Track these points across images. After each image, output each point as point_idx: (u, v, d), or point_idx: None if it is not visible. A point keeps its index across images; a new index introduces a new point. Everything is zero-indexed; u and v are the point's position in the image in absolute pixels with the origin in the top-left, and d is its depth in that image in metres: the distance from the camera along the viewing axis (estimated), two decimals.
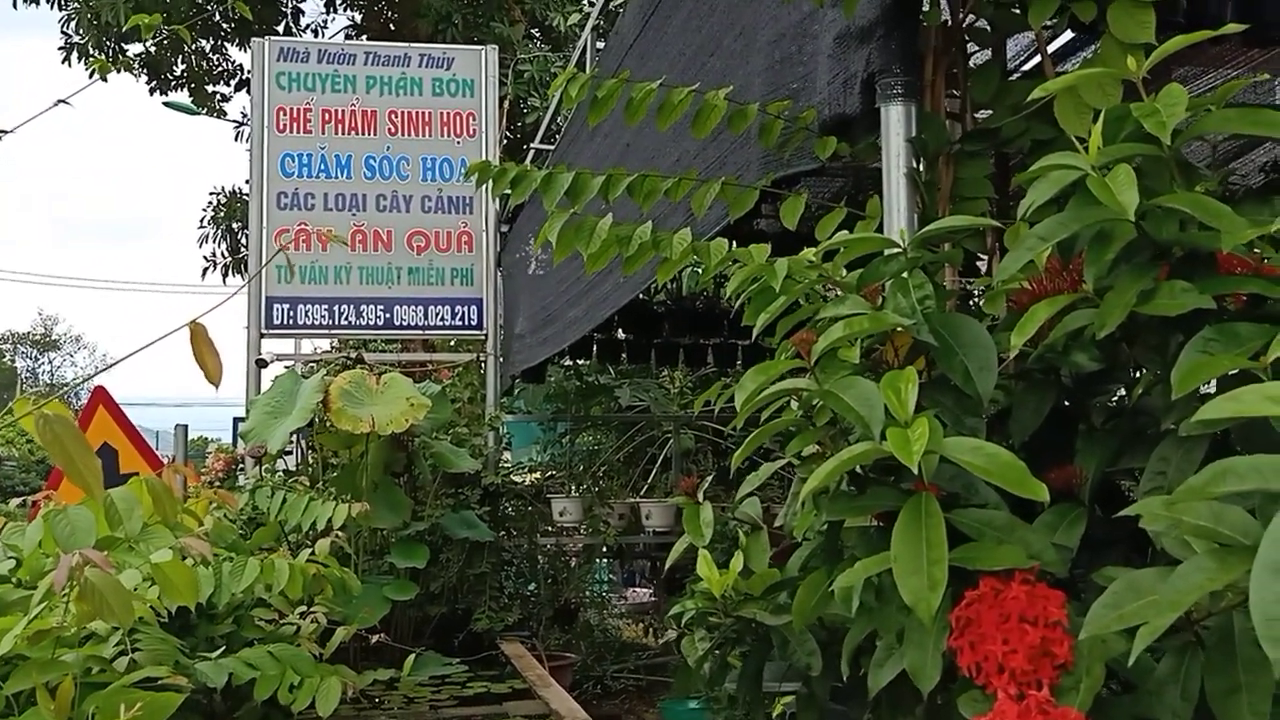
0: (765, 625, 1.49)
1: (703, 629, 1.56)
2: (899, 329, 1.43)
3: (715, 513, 1.66)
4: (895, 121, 1.99)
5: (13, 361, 45.64)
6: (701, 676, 1.63)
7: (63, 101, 2.40)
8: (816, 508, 1.28)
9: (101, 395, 5.88)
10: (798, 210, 2.19)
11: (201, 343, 1.14)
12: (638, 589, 10.55)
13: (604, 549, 7.28)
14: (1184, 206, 1.15)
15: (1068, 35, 2.80)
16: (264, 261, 6.59)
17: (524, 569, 6.65)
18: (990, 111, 2.18)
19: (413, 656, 4.44)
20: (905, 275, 1.43)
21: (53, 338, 46.67)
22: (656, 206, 2.55)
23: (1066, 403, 1.50)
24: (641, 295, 5.80)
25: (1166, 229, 1.22)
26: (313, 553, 3.39)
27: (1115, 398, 1.55)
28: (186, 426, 5.57)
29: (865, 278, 1.50)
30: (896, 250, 1.48)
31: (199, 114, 13.20)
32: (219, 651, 2.70)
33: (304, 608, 3.57)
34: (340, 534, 3.85)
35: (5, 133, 2.32)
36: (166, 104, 13.30)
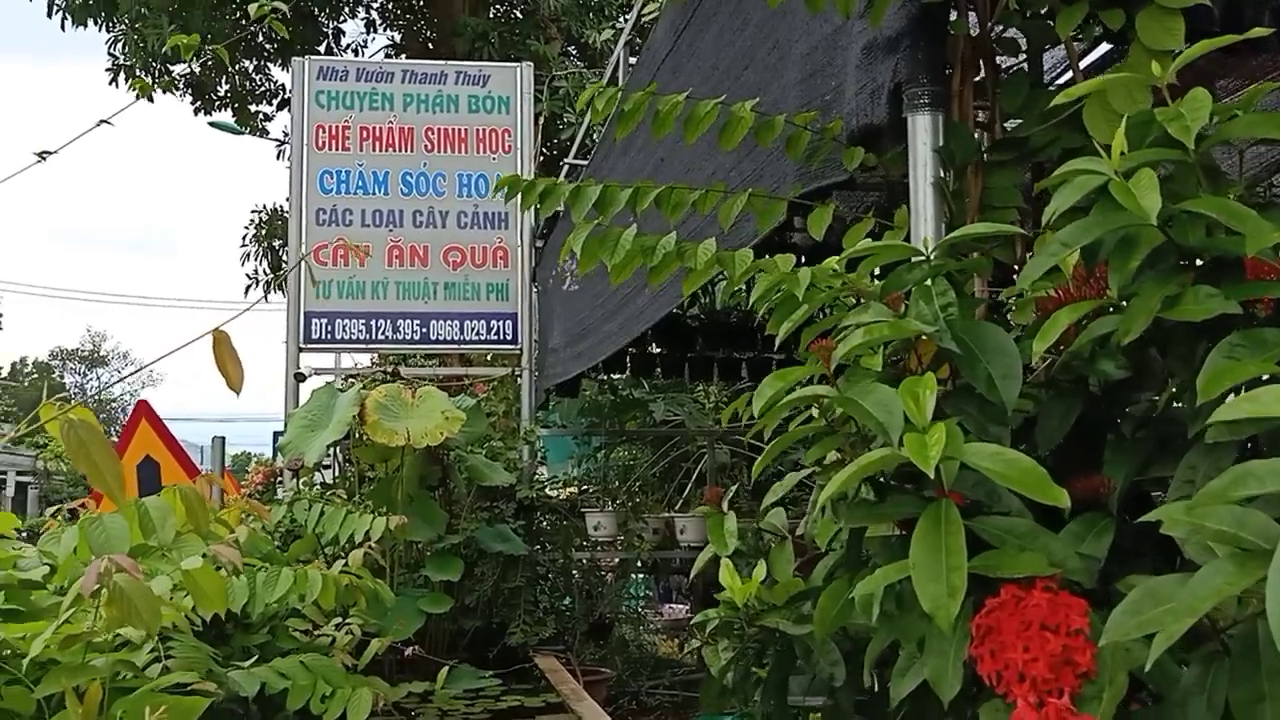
0: (789, 635, 1.48)
1: (726, 639, 1.55)
2: (922, 337, 1.42)
3: (741, 524, 1.66)
4: (922, 130, 1.98)
5: (62, 377, 46.57)
6: (734, 691, 1.63)
7: (105, 122, 2.45)
8: (835, 515, 1.27)
9: (144, 409, 5.98)
10: (825, 220, 2.19)
11: (223, 350, 1.16)
12: (674, 605, 10.51)
13: (639, 564, 7.27)
14: (1209, 210, 1.14)
15: (1105, 47, 2.77)
16: (301, 277, 6.68)
17: (558, 583, 6.66)
18: (1020, 122, 2.17)
19: (446, 669, 4.45)
20: (928, 282, 1.42)
21: (101, 354, 47.56)
22: (688, 223, 2.56)
23: (1095, 413, 1.48)
24: (675, 310, 5.80)
25: (1192, 234, 1.20)
26: (346, 564, 3.42)
27: (1144, 408, 1.52)
28: (224, 439, 5.65)
29: (888, 286, 1.49)
30: (920, 258, 1.47)
31: (242, 133, 13.43)
32: (251, 660, 2.73)
33: (339, 619, 3.60)
34: (374, 546, 3.88)
35: (51, 153, 2.38)
36: (211, 124, 13.55)
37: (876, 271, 1.58)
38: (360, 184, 6.80)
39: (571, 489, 7.14)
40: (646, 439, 8.01)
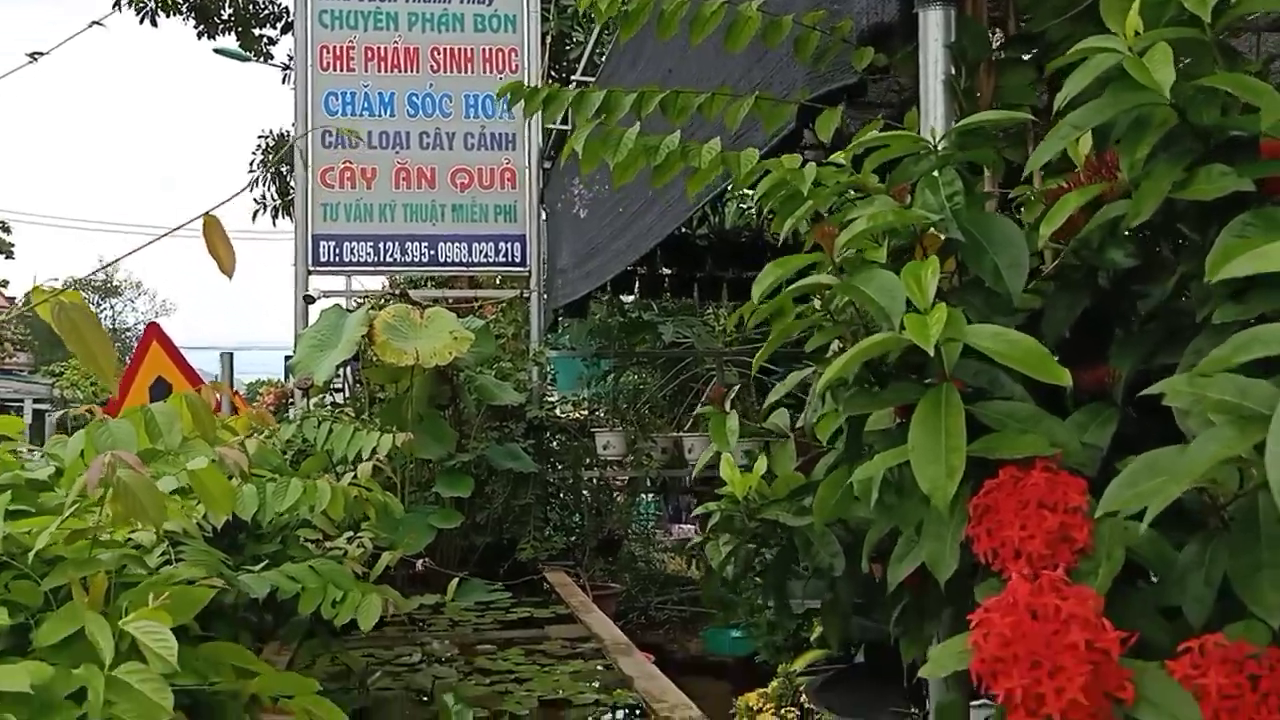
0: (789, 527, 1.48)
1: (726, 533, 1.55)
2: (929, 231, 1.39)
3: (747, 442, 1.66)
4: (933, 26, 1.92)
5: None
6: (733, 584, 1.64)
7: (97, 23, 2.41)
8: (835, 402, 1.26)
9: (155, 331, 6.00)
10: (833, 123, 2.14)
11: (214, 233, 1.15)
12: (683, 525, 10.62)
13: (648, 483, 7.32)
14: (1225, 85, 1.10)
15: None
16: (309, 200, 6.63)
17: (568, 501, 6.73)
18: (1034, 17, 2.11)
19: (456, 581, 4.52)
20: (935, 173, 1.39)
21: (114, 284, 47.64)
22: (696, 135, 2.51)
23: (1103, 306, 1.46)
24: (684, 229, 5.76)
25: (1207, 113, 1.17)
26: (355, 477, 3.45)
27: (1153, 301, 1.50)
28: (232, 354, 5.67)
29: (895, 178, 1.47)
30: (928, 149, 1.44)
31: (248, 59, 13.23)
32: (262, 565, 2.77)
33: (350, 533, 3.65)
34: (384, 461, 3.91)
35: (42, 54, 2.34)
36: (217, 51, 13.34)
37: (879, 165, 1.55)
38: (366, 105, 6.71)
39: (582, 412, 7.17)
40: (656, 361, 8.01)
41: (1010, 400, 1.17)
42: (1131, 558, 1.08)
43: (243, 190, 11.32)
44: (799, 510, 1.46)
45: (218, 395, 2.09)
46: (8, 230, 24.80)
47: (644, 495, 8.68)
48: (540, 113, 2.23)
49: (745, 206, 6.40)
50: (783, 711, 3.12)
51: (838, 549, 1.43)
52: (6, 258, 24.42)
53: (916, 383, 1.20)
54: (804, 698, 3.16)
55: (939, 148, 1.45)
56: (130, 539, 2.12)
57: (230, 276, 1.19)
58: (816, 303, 1.38)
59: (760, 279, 1.33)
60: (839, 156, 1.57)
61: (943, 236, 1.38)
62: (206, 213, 1.14)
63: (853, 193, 1.57)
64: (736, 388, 1.79)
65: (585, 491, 6.86)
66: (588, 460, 6.78)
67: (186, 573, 2.24)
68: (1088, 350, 1.39)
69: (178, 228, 1.14)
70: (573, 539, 6.66)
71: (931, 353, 1.05)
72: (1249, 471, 0.93)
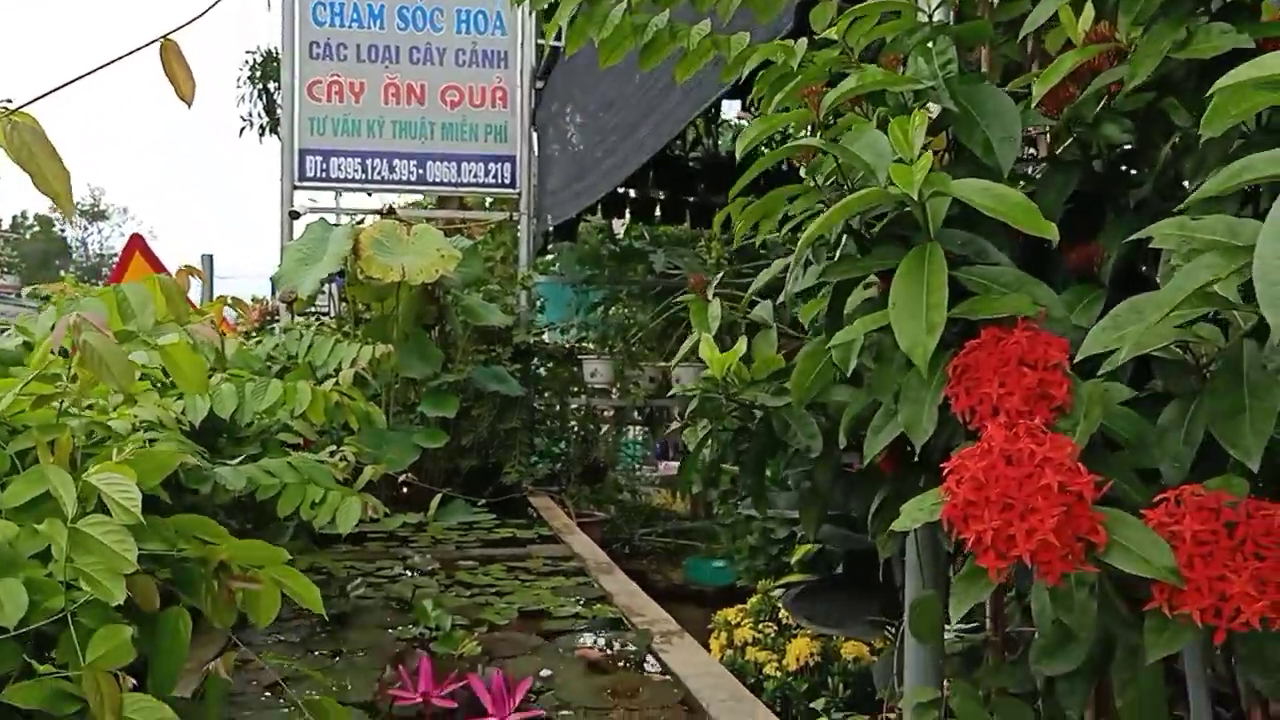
0: (768, 409, 1.46)
1: (704, 417, 1.53)
2: (919, 109, 1.35)
3: (726, 311, 1.63)
4: None
5: (63, 232, 46.28)
6: (711, 468, 1.61)
7: None
8: (817, 261, 1.23)
9: (138, 242, 5.92)
10: (829, 14, 2.08)
11: (171, 57, 1.10)
12: (670, 461, 10.67)
13: (635, 413, 7.32)
14: None
15: None
16: (295, 113, 6.51)
17: (554, 428, 6.72)
18: None
19: (439, 496, 4.53)
20: (929, 43, 1.34)
21: (101, 208, 47.14)
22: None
23: (1096, 188, 1.42)
24: (676, 150, 5.68)
25: None
26: (338, 384, 3.42)
27: (1146, 190, 1.47)
28: (212, 256, 5.61)
29: (888, 49, 1.42)
30: (923, 19, 1.39)
31: None
32: (239, 460, 2.75)
33: (333, 447, 3.63)
34: (367, 370, 3.87)
35: None
36: None
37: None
38: (355, 17, 6.57)
39: (569, 340, 7.14)
40: (647, 294, 7.97)
41: (997, 266, 1.14)
42: (1106, 433, 1.06)
43: (186, 22, 11.10)
44: (778, 391, 1.43)
45: (190, 279, 2.05)
46: None
47: (631, 430, 8.70)
48: (530, 11, 2.16)
49: (741, 129, 6.32)
50: (760, 625, 3.14)
51: (816, 430, 1.41)
52: None
53: (900, 245, 1.17)
54: (782, 613, 3.18)
55: (933, 20, 1.40)
56: (108, 425, 2.09)
57: (189, 103, 1.14)
58: (803, 170, 1.33)
59: (743, 135, 1.29)
60: (830, 33, 1.52)
61: (933, 110, 1.34)
62: (164, 36, 1.09)
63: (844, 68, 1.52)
64: (718, 278, 1.76)
65: (572, 420, 6.86)
66: (575, 388, 6.77)
67: (160, 447, 2.22)
68: (1078, 231, 1.36)
69: (122, 57, 1.09)
70: (558, 466, 6.68)
71: (916, 196, 1.01)
72: (1235, 326, 0.91)
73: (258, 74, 11.18)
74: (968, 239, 1.20)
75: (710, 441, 1.54)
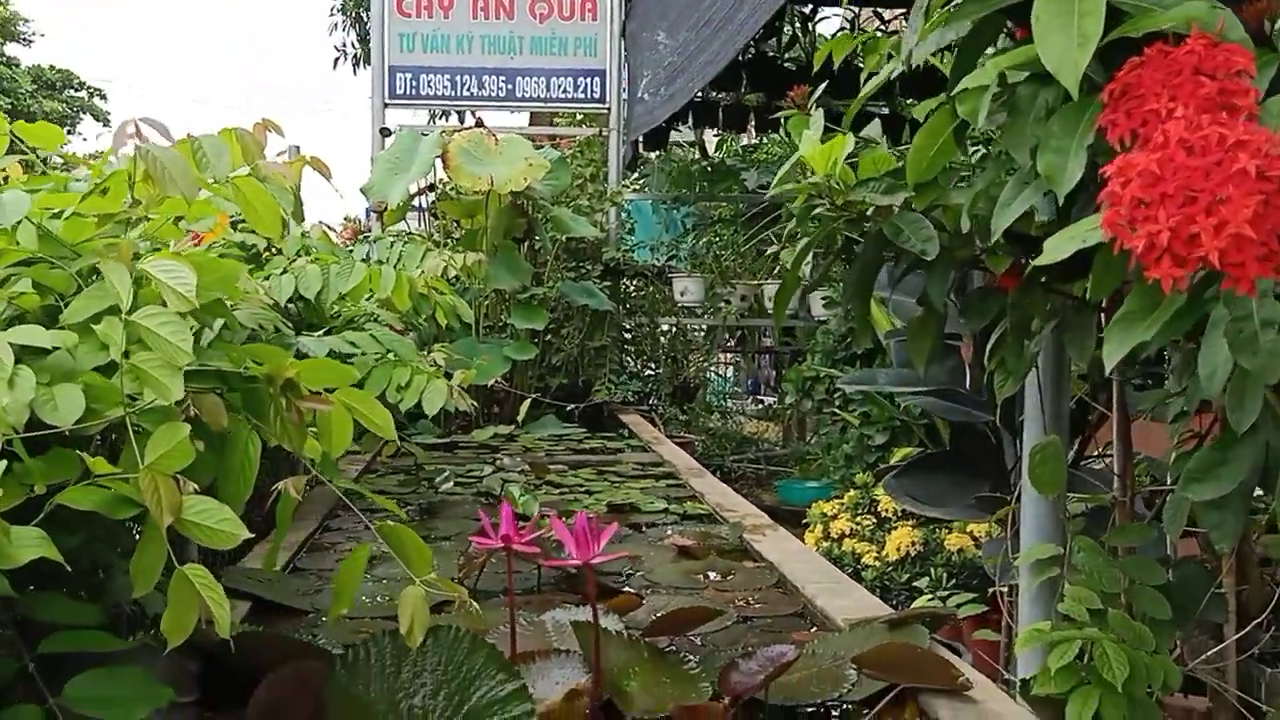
0: (877, 218, 1.30)
1: (802, 227, 1.38)
2: None
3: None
4: None
5: None
6: (812, 286, 1.47)
7: None
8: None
9: None
10: None
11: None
12: (761, 397, 10.52)
13: (725, 335, 7.18)
14: None
15: None
16: (385, 30, 6.46)
17: (644, 347, 6.63)
18: None
19: (529, 400, 4.48)
20: None
21: None
22: None
23: None
24: (771, 51, 5.46)
25: None
26: (423, 273, 3.37)
27: None
28: (299, 146, 5.60)
29: None
30: None
31: None
32: (321, 332, 2.71)
33: (424, 353, 3.58)
34: (454, 260, 3.80)
35: None
36: None
37: None
38: None
39: (659, 258, 7.01)
40: (739, 219, 7.77)
41: None
42: None
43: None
44: (889, 188, 1.28)
45: (268, 131, 1.97)
46: (104, 98, 25.20)
47: (721, 363, 8.55)
48: None
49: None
50: (858, 518, 3.00)
51: (931, 231, 1.25)
52: (104, 125, 24.83)
53: None
54: (881, 504, 3.03)
55: None
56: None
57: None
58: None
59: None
60: None
61: None
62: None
63: None
64: (820, 89, 1.60)
65: (662, 339, 6.76)
66: (664, 307, 6.65)
67: (241, 319, 2.17)
68: None
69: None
70: (648, 385, 6.59)
71: None
72: None
73: (351, 3, 11.17)
74: None
75: (812, 257, 1.39)
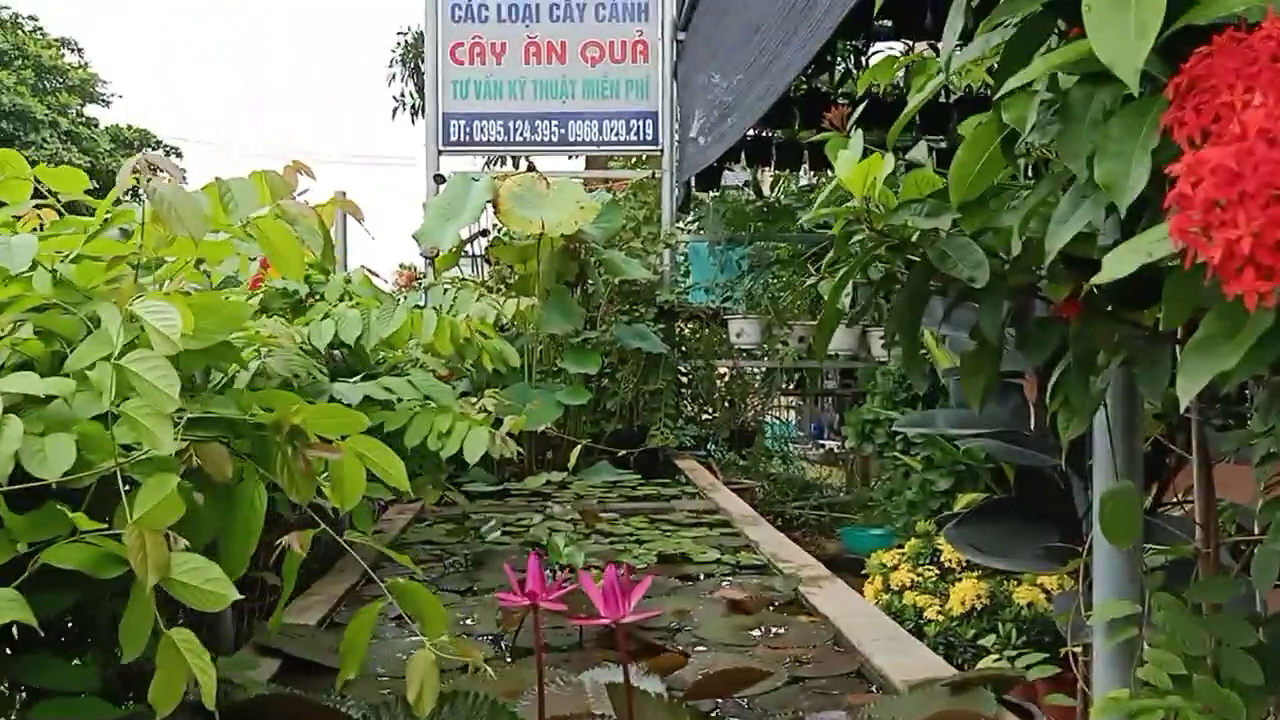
0: (921, 244, 1.19)
1: (841, 255, 1.28)
2: None
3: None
4: None
5: None
6: (851, 320, 1.36)
7: None
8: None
9: None
10: None
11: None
12: (824, 441, 10.30)
13: (784, 379, 7.03)
14: None
15: None
16: (439, 78, 6.51)
17: (700, 391, 6.51)
18: None
19: (579, 446, 4.38)
20: None
21: None
22: None
23: None
24: (824, 87, 5.37)
25: None
26: (468, 317, 3.30)
27: None
28: (345, 192, 5.62)
29: None
30: None
31: None
32: (359, 377, 2.65)
33: (472, 398, 3.51)
34: (500, 304, 3.75)
35: None
36: None
37: None
38: None
39: (714, 299, 6.90)
40: (797, 259, 7.63)
41: None
42: None
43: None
44: (931, 210, 1.17)
45: (299, 173, 1.92)
46: (180, 155, 26.03)
47: (781, 406, 8.35)
48: None
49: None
50: (919, 569, 2.84)
51: (980, 256, 1.14)
52: (181, 181, 25.57)
53: None
54: (944, 555, 2.87)
55: None
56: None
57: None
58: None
59: None
60: None
61: None
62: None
63: None
64: (858, 109, 1.50)
65: (718, 382, 6.63)
66: (720, 349, 6.54)
67: (272, 366, 2.12)
68: None
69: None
70: (705, 430, 6.45)
71: None
72: None
73: (410, 54, 11.37)
74: None
75: (852, 285, 1.28)
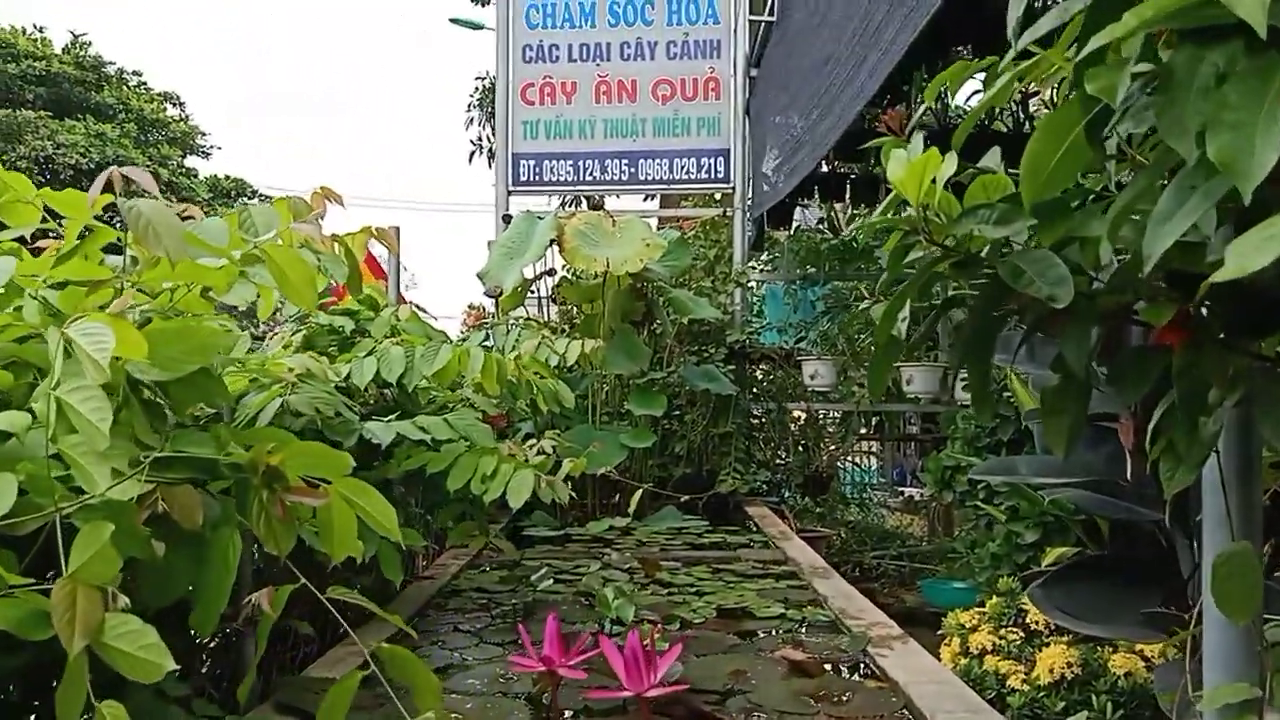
0: (990, 259, 1.00)
1: (898, 268, 1.09)
2: None
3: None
4: None
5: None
6: (915, 345, 1.17)
7: None
8: None
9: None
10: None
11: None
12: (908, 489, 9.93)
13: (859, 419, 6.76)
14: None
15: None
16: (509, 118, 6.48)
17: (773, 435, 6.28)
18: None
19: (640, 491, 4.20)
20: None
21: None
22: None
23: None
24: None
25: None
26: (518, 356, 3.17)
27: None
28: (398, 228, 5.56)
29: None
30: None
31: (482, 28, 13.32)
32: (394, 415, 2.52)
33: (532, 440, 3.37)
34: (555, 344, 3.61)
35: None
36: (452, 20, 13.53)
37: None
38: (567, 16, 6.48)
39: (787, 339, 6.70)
40: (874, 293, 7.38)
41: None
42: None
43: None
44: (1000, 217, 0.97)
45: (327, 203, 1.82)
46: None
47: (860, 451, 8.06)
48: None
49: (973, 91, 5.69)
50: (1002, 631, 2.58)
51: (1062, 271, 0.95)
52: None
53: None
54: (1030, 617, 2.60)
55: None
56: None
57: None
58: None
59: None
60: None
61: None
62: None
63: None
64: (919, 108, 1.32)
65: (792, 426, 6.40)
66: (794, 392, 6.31)
67: (295, 403, 2.00)
68: None
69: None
70: (777, 475, 6.21)
71: None
72: None
73: (488, 99, 11.44)
74: None
75: (910, 303, 1.09)
